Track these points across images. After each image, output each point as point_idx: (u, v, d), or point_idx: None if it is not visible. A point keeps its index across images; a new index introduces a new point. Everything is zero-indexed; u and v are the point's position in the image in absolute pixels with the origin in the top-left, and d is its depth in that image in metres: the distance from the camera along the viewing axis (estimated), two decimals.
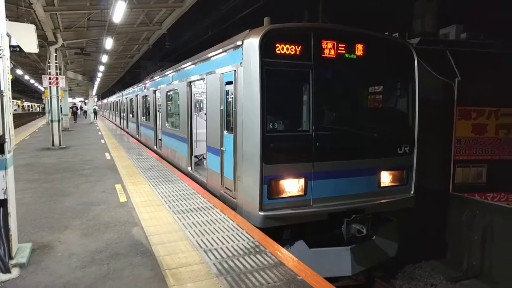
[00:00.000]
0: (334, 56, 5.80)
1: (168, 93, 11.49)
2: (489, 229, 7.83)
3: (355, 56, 5.98)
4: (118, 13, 11.04)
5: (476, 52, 12.86)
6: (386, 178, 6.40)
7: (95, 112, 42.21)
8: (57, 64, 15.79)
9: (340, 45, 5.83)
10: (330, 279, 4.13)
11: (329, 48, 5.76)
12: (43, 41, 14.99)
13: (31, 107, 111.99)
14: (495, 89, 11.19)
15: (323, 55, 5.72)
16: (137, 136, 18.64)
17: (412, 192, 6.64)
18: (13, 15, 11.71)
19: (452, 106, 11.15)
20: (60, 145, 15.15)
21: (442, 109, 11.29)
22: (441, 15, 15.01)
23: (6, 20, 4.06)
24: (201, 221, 5.56)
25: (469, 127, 11.42)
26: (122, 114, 26.73)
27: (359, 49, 6.01)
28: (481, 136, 11.53)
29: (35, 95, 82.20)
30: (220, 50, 6.73)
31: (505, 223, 7.57)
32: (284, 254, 4.39)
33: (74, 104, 44.93)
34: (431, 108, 10.19)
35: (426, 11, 15.07)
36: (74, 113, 36.34)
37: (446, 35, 14.85)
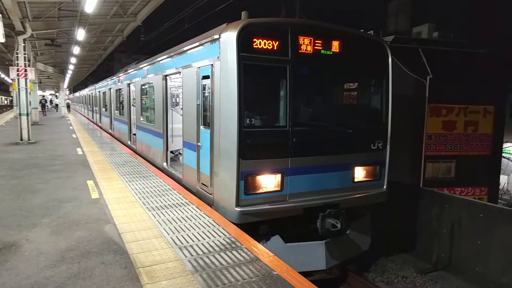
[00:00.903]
0: (311, 52, 5.83)
1: (143, 87, 11.24)
2: (456, 222, 8.13)
3: (331, 53, 6.03)
4: (90, 3, 10.67)
5: (447, 50, 13.29)
6: (360, 173, 6.53)
7: (68, 106, 41.23)
8: (26, 55, 15.09)
9: (317, 41, 5.87)
10: (304, 273, 4.18)
11: (306, 44, 5.79)
12: (10, 31, 14.27)
13: None
14: (464, 87, 11.61)
15: (300, 51, 5.74)
16: (110, 130, 18.18)
17: (385, 187, 6.80)
18: None
19: (423, 103, 11.48)
20: (29, 139, 14.58)
21: (414, 106, 11.62)
22: (414, 14, 15.40)
23: None
24: (177, 217, 5.49)
25: (439, 124, 11.82)
26: (94, 108, 26.00)
27: (335, 45, 6.06)
28: (450, 133, 11.95)
29: (2, 87, 78.50)
30: (197, 44, 6.63)
31: (471, 217, 7.89)
32: (260, 250, 4.40)
33: (43, 96, 43.42)
34: (404, 105, 10.47)
35: (399, 9, 15.41)
36: (43, 106, 35.34)
37: (418, 34, 15.27)
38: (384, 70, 6.71)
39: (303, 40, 5.76)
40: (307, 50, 5.81)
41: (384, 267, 8.44)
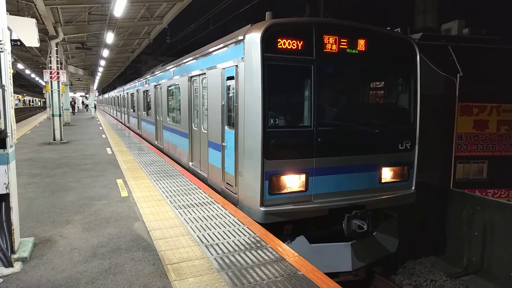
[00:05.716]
0: (336, 51, 5.77)
1: (169, 88, 11.47)
2: (489, 225, 7.84)
3: (357, 51, 5.95)
4: (119, 7, 10.98)
5: (478, 47, 12.80)
6: (387, 174, 6.41)
7: (95, 106, 43.47)
8: (58, 59, 15.76)
9: (342, 40, 5.80)
10: (330, 275, 4.15)
11: (331, 43, 5.73)
12: (44, 35, 14.94)
13: (32, 102, 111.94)
14: (497, 85, 11.15)
15: (325, 50, 5.69)
16: (138, 131, 18.66)
17: (413, 188, 6.64)
18: (13, 9, 11.68)
19: (453, 102, 11.12)
20: (61, 139, 15.18)
21: (444, 105, 11.26)
22: (443, 10, 14.93)
23: (6, 14, 4.05)
24: (202, 216, 5.58)
25: (470, 123, 11.40)
26: (123, 109, 26.74)
27: (361, 44, 5.98)
28: (482, 132, 11.51)
29: (36, 90, 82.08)
30: (222, 45, 6.71)
31: (505, 220, 7.58)
32: (285, 250, 4.41)
33: (72, 98, 45.79)
34: (433, 104, 10.17)
35: (427, 6, 14.98)
36: (72, 107, 37.44)
37: (448, 31, 14.78)
38: (412, 68, 6.56)
39: (328, 39, 5.71)
40: (332, 49, 5.75)
41: (412, 270, 8.25)
